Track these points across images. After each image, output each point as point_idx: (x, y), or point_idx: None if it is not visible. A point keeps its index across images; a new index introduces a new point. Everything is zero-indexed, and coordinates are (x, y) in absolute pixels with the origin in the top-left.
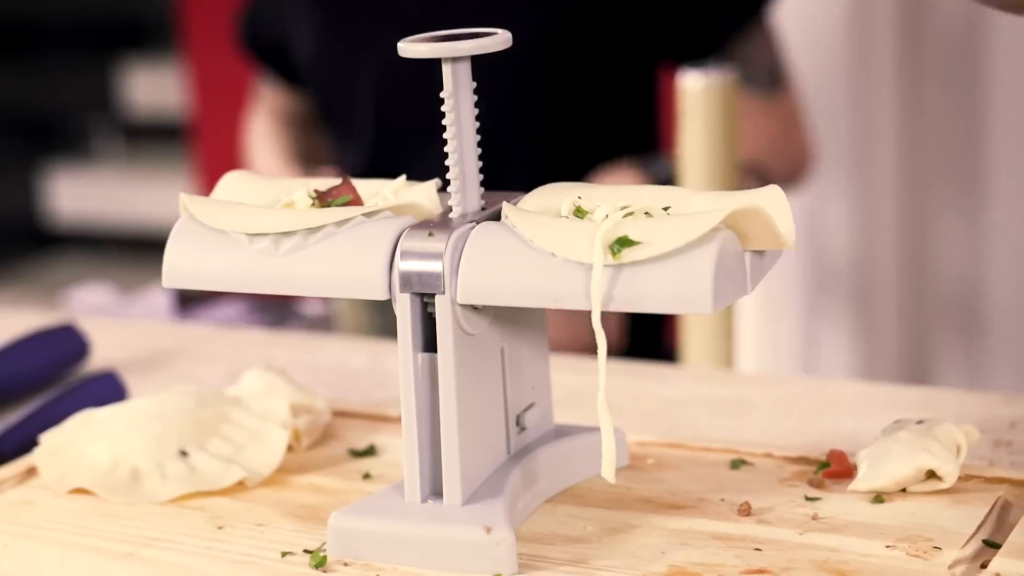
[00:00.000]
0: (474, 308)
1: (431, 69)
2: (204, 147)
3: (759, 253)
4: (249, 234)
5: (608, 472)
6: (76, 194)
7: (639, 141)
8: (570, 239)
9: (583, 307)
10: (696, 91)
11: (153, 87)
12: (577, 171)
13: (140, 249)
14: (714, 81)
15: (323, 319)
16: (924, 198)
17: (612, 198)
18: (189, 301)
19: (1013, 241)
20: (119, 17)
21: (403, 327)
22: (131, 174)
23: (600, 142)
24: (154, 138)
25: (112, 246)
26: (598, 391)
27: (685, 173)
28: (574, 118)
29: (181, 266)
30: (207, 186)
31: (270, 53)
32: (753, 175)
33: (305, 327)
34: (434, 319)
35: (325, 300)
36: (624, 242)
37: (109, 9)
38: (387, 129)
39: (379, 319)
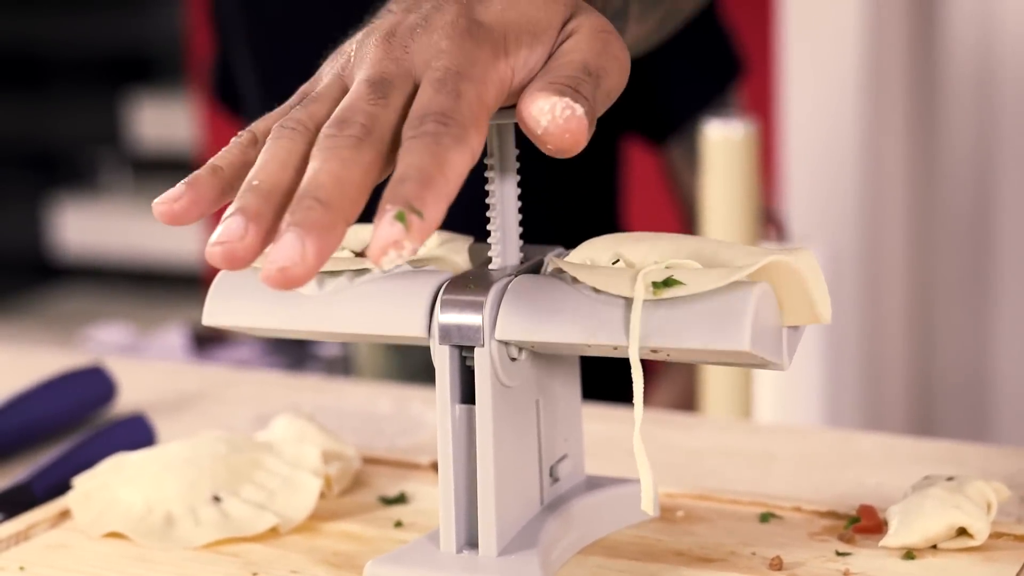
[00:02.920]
0: (512, 360)
1: None
2: None
3: (794, 328)
4: None
5: (647, 505)
6: (83, 227)
7: (600, 213)
8: (613, 279)
9: (620, 342)
10: (717, 141)
11: (161, 120)
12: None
13: (147, 283)
14: (735, 131)
15: (340, 360)
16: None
17: (659, 249)
18: (206, 341)
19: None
20: (127, 50)
21: (441, 379)
22: (138, 208)
23: (562, 212)
24: (162, 172)
25: (119, 280)
26: (634, 426)
27: (707, 222)
28: (540, 189)
29: (223, 303)
30: (216, 222)
31: (238, 102)
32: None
33: (323, 368)
34: (472, 371)
35: (343, 342)
36: (667, 282)
37: (117, 42)
38: None
39: (398, 362)
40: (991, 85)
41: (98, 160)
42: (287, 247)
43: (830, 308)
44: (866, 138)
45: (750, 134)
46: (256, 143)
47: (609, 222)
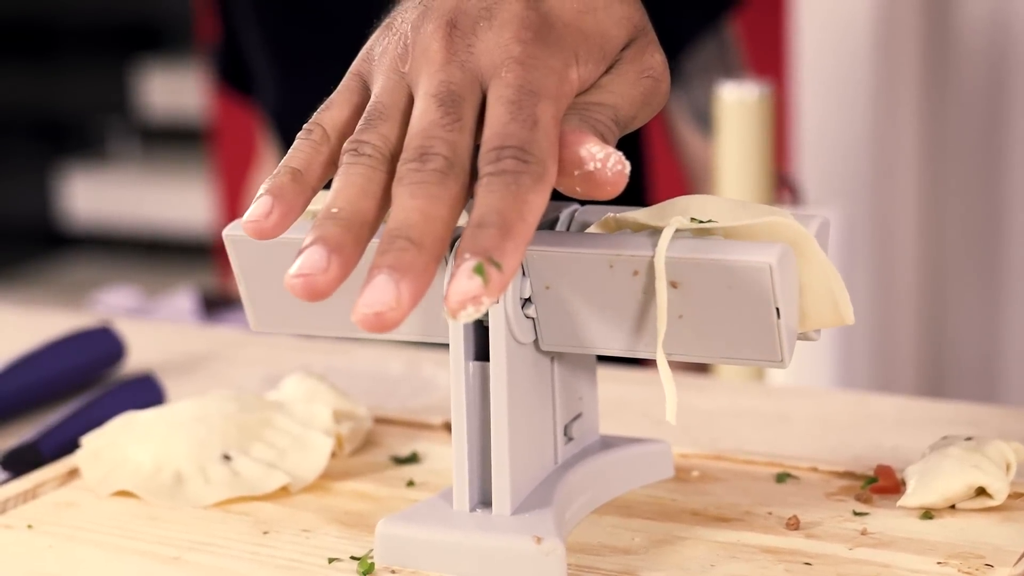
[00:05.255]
0: (525, 316)
1: None
2: (222, 150)
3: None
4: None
5: (671, 415)
6: (92, 196)
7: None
8: (655, 219)
9: (645, 253)
10: (732, 103)
11: (170, 89)
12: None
13: (156, 251)
14: (749, 93)
15: None
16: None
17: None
18: (214, 305)
19: None
20: (136, 19)
21: (455, 336)
22: (147, 176)
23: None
24: (171, 140)
25: (128, 248)
26: (657, 340)
27: (720, 186)
28: None
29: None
30: (225, 190)
31: (247, 84)
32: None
33: None
34: (486, 328)
35: None
36: (703, 222)
37: (126, 11)
38: None
39: None
40: (1005, 46)
41: (107, 129)
42: (382, 291)
43: (851, 308)
44: (879, 101)
45: (764, 97)
46: (327, 139)
47: (634, 183)
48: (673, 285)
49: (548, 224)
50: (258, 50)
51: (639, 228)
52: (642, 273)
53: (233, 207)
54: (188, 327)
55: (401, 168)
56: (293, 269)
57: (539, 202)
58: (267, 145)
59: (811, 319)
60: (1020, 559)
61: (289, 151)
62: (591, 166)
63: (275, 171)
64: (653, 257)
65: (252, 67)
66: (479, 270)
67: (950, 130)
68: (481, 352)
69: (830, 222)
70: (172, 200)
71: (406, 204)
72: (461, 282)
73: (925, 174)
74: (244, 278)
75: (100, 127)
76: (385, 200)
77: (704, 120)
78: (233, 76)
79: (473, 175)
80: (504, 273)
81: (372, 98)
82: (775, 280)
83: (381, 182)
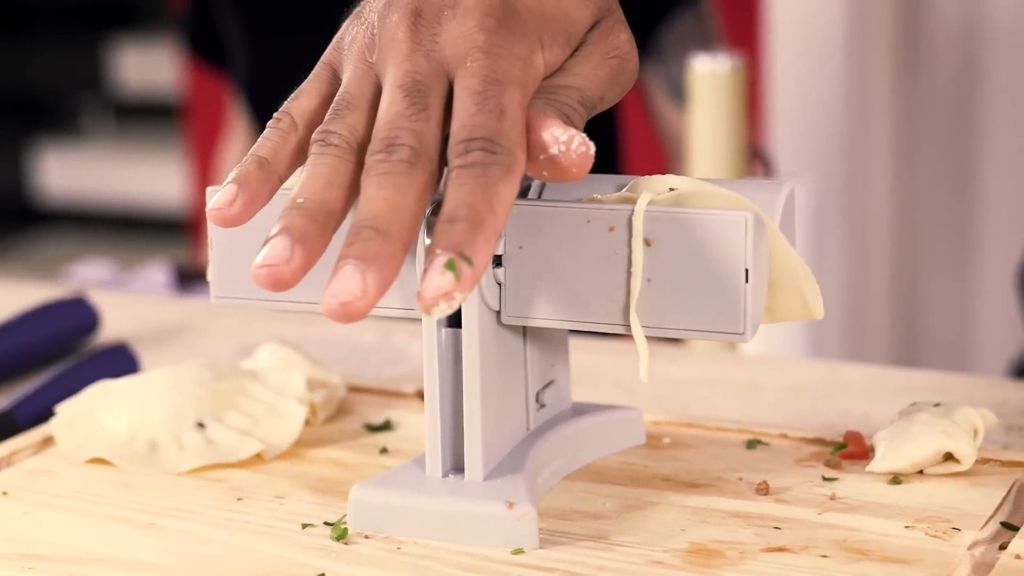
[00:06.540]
0: (498, 283)
1: None
2: (195, 125)
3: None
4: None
5: (644, 373)
6: (65, 172)
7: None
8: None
9: (624, 208)
10: (704, 75)
11: (143, 65)
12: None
13: (130, 227)
14: (722, 65)
15: None
16: (917, 209)
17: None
18: (188, 279)
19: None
20: None
21: None
22: (121, 152)
23: None
24: (144, 117)
25: (101, 224)
26: (631, 303)
27: (693, 158)
28: None
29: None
30: (198, 165)
31: (218, 54)
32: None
33: None
34: None
35: None
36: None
37: None
38: None
39: None
40: (977, 20)
41: (80, 105)
42: (348, 281)
43: (820, 301)
44: (852, 74)
45: (737, 69)
46: (296, 127)
47: (607, 156)
48: (647, 243)
49: (520, 193)
50: (229, 20)
51: (620, 202)
52: (618, 229)
53: (206, 183)
54: (162, 298)
55: (368, 159)
56: (258, 260)
57: (509, 193)
58: (238, 117)
59: (779, 311)
60: (986, 523)
61: (258, 140)
62: (554, 150)
63: (243, 159)
64: (632, 212)
65: (223, 38)
66: (450, 266)
67: (922, 102)
68: (454, 319)
69: (795, 191)
70: (146, 176)
71: (373, 195)
72: (433, 279)
73: (897, 146)
74: (216, 240)
75: (74, 103)
76: (353, 190)
77: (680, 93)
78: (205, 47)
79: (443, 164)
80: (475, 267)
81: (341, 88)
82: (748, 237)
83: (348, 172)
